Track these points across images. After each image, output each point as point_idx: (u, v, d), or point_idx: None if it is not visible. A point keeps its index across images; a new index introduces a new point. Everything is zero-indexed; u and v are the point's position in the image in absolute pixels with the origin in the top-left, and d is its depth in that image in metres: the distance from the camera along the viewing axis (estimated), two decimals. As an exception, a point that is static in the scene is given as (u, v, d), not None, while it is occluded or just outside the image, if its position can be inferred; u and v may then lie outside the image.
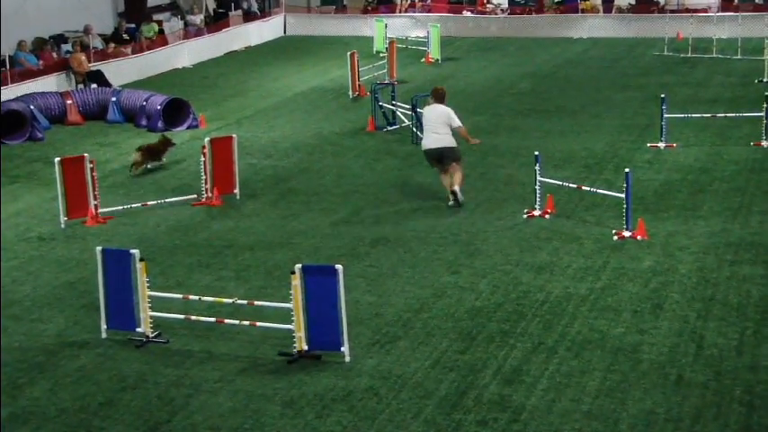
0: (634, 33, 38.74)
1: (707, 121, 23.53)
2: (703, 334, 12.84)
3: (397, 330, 13.32)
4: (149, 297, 13.08)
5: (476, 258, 15.88)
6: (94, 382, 12.15)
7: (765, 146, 21.76)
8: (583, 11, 40.94)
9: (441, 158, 18.48)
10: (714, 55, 33.80)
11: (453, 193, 18.36)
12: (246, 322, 13.07)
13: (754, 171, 20.11)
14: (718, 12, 38.90)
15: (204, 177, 19.26)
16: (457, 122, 18.47)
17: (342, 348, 12.41)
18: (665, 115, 22.19)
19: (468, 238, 16.82)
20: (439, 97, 18.69)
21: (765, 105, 21.92)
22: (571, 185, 18.19)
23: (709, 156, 21.33)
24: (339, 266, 12.21)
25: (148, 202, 19.14)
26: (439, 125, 18.43)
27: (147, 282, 13.05)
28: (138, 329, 13.13)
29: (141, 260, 12.97)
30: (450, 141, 18.41)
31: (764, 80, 29.11)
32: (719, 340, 12.67)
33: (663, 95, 22.53)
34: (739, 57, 33.13)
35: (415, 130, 23.21)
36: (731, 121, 23.43)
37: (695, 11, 39.82)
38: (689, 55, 34.04)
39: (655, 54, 34.75)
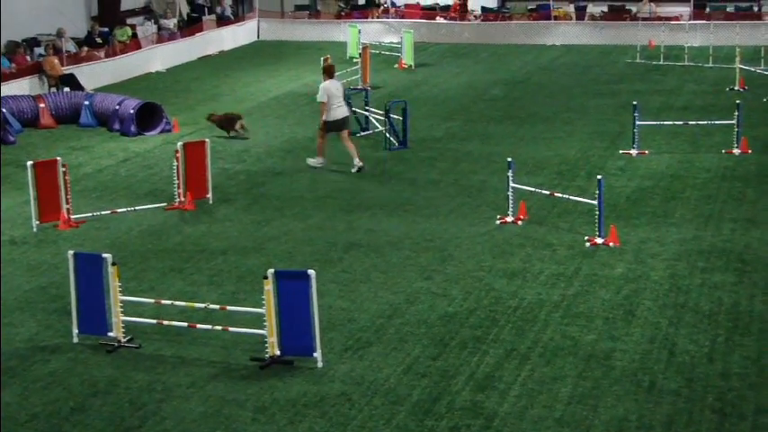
0: (607, 41, 38.88)
1: (679, 128, 23.63)
2: (675, 341, 12.87)
3: (370, 336, 13.29)
4: (121, 302, 13.00)
5: (448, 264, 15.87)
6: (65, 387, 12.06)
7: (737, 153, 21.86)
8: (556, 18, 41.05)
9: (345, 125, 21.78)
10: (686, 63, 33.95)
11: (359, 163, 21.54)
12: (219, 327, 13.03)
13: (725, 179, 20.19)
14: (690, 20, 39.10)
15: (177, 182, 19.18)
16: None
17: (314, 354, 12.36)
18: (638, 122, 22.26)
19: (441, 243, 16.81)
20: (332, 73, 21.96)
21: (736, 113, 22.04)
22: (544, 192, 18.21)
23: (681, 163, 21.41)
24: (312, 272, 12.17)
25: (120, 209, 19.03)
26: (342, 98, 21.78)
27: (120, 286, 12.97)
28: (110, 334, 13.05)
29: (113, 264, 12.90)
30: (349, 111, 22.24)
31: (735, 88, 29.26)
32: (691, 347, 12.70)
33: (635, 103, 22.60)
34: (711, 65, 33.29)
35: (388, 135, 23.20)
36: (703, 128, 23.53)
37: (667, 19, 40.01)
38: (661, 63, 34.18)
39: (627, 61, 34.89)
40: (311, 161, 22.05)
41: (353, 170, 21.33)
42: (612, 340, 12.95)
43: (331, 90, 21.44)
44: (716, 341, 12.87)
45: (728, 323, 13.40)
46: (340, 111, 21.57)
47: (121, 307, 13.00)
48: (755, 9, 41.06)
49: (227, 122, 25.00)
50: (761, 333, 13.08)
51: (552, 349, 12.75)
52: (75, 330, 13.23)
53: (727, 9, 41.03)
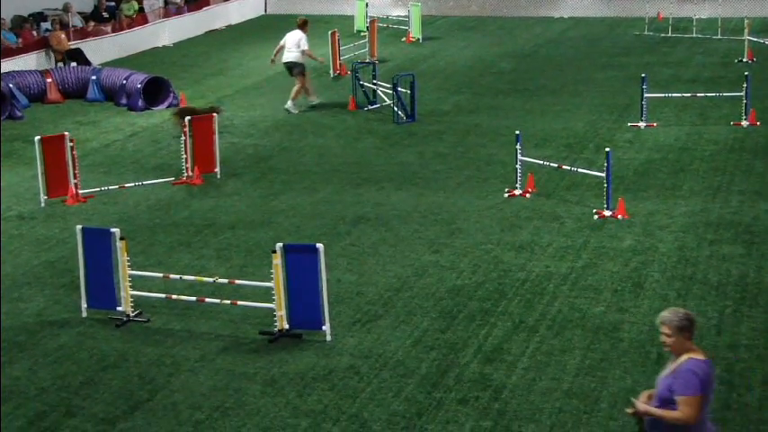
0: (615, 13, 38.71)
1: (687, 100, 23.56)
2: (683, 313, 12.86)
3: (378, 309, 13.32)
4: (130, 276, 13.04)
5: (457, 237, 15.87)
6: (75, 362, 12.11)
7: (745, 126, 21.81)
8: (564, -10, 40.88)
9: (288, 69, 25.01)
10: (694, 35, 33.81)
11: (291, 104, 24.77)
12: (227, 301, 13.06)
13: (733, 150, 20.15)
14: (698, -8, 38.92)
15: (185, 156, 19.19)
16: (304, 46, 24.86)
17: (323, 327, 12.39)
18: (646, 95, 22.20)
19: (450, 217, 16.81)
20: (301, 26, 25.17)
21: (745, 85, 21.96)
22: (552, 165, 18.19)
23: (689, 135, 21.36)
24: (320, 245, 12.19)
25: (128, 183, 19.06)
26: (293, 46, 24.81)
27: (128, 261, 13.01)
28: (119, 308, 13.09)
29: (122, 239, 12.93)
30: (297, 58, 24.81)
31: (744, 60, 29.15)
32: (699, 319, 12.60)
33: (643, 75, 22.54)
34: (719, 37, 33.15)
35: (396, 109, 23.18)
36: (711, 100, 23.47)
37: (676, -9, 39.83)
38: (669, 35, 34.05)
39: (635, 34, 34.74)
40: (310, 102, 25.11)
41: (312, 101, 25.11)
42: (620, 312, 12.96)
43: (287, 38, 25.11)
44: (724, 313, 12.88)
45: (736, 295, 13.40)
46: (287, 55, 25.02)
47: (130, 281, 13.03)
48: (764, -20, 40.83)
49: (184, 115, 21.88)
50: (769, 305, 13.09)
51: (560, 321, 12.76)
52: (84, 305, 13.28)
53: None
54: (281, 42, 25.32)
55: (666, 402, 7.87)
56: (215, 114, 19.94)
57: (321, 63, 26.80)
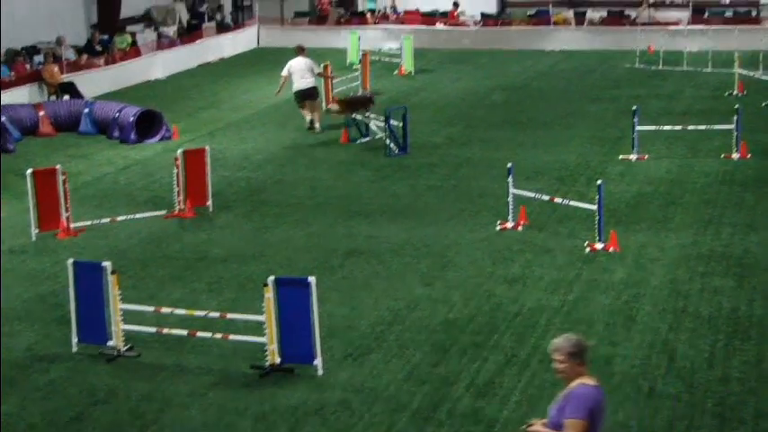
0: (606, 46, 38.86)
1: (678, 133, 23.61)
2: (675, 346, 12.86)
3: (371, 343, 13.27)
4: (121, 310, 12.98)
5: (449, 270, 15.85)
6: (65, 397, 12.04)
7: (736, 158, 21.86)
8: (555, 23, 41.09)
9: (310, 96, 25.72)
10: (685, 68, 33.96)
11: (312, 121, 25.87)
12: (219, 335, 13.00)
13: (724, 183, 20.18)
14: (688, 25, 39.12)
15: (177, 189, 19.17)
16: (317, 69, 26.05)
17: (314, 361, 12.34)
18: (637, 127, 22.26)
19: (442, 249, 16.79)
20: (301, 51, 26.08)
21: (735, 118, 22.03)
22: (544, 197, 18.20)
23: (680, 168, 21.40)
24: (312, 279, 12.16)
25: (120, 217, 19.03)
26: (306, 72, 25.56)
27: (119, 294, 12.95)
28: (110, 343, 13.02)
29: (113, 273, 12.88)
30: (314, 83, 25.78)
31: (735, 93, 29.26)
32: (691, 352, 12.68)
33: (634, 108, 22.60)
34: (710, 69, 33.30)
35: (388, 141, 23.20)
36: (702, 133, 23.51)
37: (666, 24, 40.05)
38: (660, 68, 34.19)
39: (626, 67, 34.88)
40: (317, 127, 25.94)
41: (307, 127, 25.97)
42: (612, 345, 12.93)
43: (294, 66, 25.71)
44: (716, 346, 12.86)
45: (728, 328, 13.38)
46: (303, 82, 25.63)
47: (121, 315, 12.98)
48: (754, 14, 41.06)
49: (355, 105, 25.24)
50: (760, 338, 13.07)
51: (552, 355, 12.71)
52: (75, 339, 13.21)
53: (726, 14, 41.05)
54: (285, 73, 25.90)
55: (558, 428, 7.99)
56: (206, 148, 19.91)
57: (334, 78, 28.12)
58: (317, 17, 44.24)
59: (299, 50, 26.21)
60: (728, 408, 11.29)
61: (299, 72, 25.66)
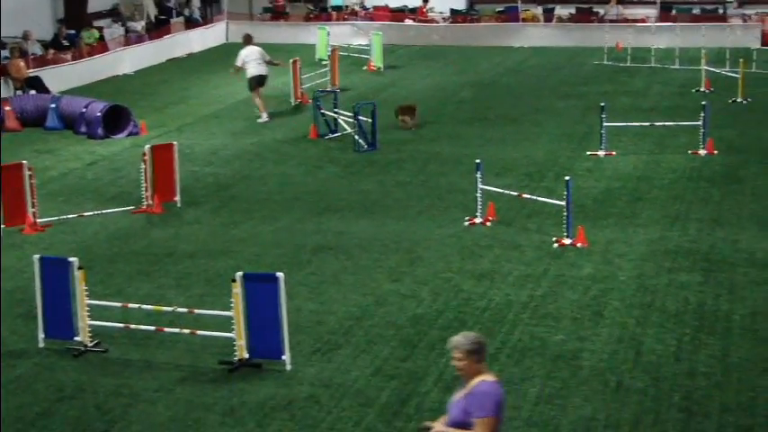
0: (574, 43, 38.99)
1: (645, 129, 23.72)
2: (642, 340, 12.93)
3: (339, 338, 13.28)
4: (88, 306, 12.93)
5: (417, 266, 15.87)
6: (31, 393, 11.98)
7: (703, 154, 21.98)
8: (524, 20, 41.17)
9: (262, 82, 26.94)
10: (653, 65, 34.12)
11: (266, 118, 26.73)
12: (187, 331, 12.97)
13: (691, 179, 20.30)
14: (656, 22, 39.31)
15: (145, 185, 19.11)
16: (267, 57, 27.20)
17: (283, 357, 12.34)
18: (605, 124, 22.34)
19: (410, 245, 16.81)
20: (250, 40, 27.30)
21: (702, 114, 22.15)
22: (512, 193, 18.25)
23: (647, 164, 21.51)
24: (280, 274, 12.15)
25: (87, 212, 18.94)
26: (260, 59, 26.80)
27: (86, 290, 12.90)
28: (77, 338, 12.97)
29: (80, 268, 12.83)
30: (267, 71, 27.11)
31: (701, 89, 29.42)
32: (658, 347, 12.75)
33: (602, 104, 22.69)
34: (677, 66, 33.46)
35: (356, 137, 23.20)
36: (669, 129, 23.64)
37: (634, 21, 40.20)
38: (628, 64, 34.33)
39: (595, 63, 35.01)
40: (260, 121, 26.73)
41: (259, 121, 26.70)
42: (580, 340, 12.99)
43: (247, 55, 26.86)
44: (682, 340, 12.94)
45: (694, 322, 13.47)
46: (260, 68, 26.84)
47: (88, 311, 12.92)
48: (720, 11, 41.28)
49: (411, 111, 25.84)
50: (726, 332, 13.17)
51: (520, 350, 12.78)
52: (42, 335, 13.15)
53: (693, 11, 41.23)
54: (240, 63, 27.04)
55: (461, 426, 8.07)
56: (174, 144, 19.84)
57: (283, 66, 28.58)
58: (273, 13, 44.13)
59: (248, 39, 27.40)
60: (695, 402, 11.37)
61: (254, 60, 26.89)
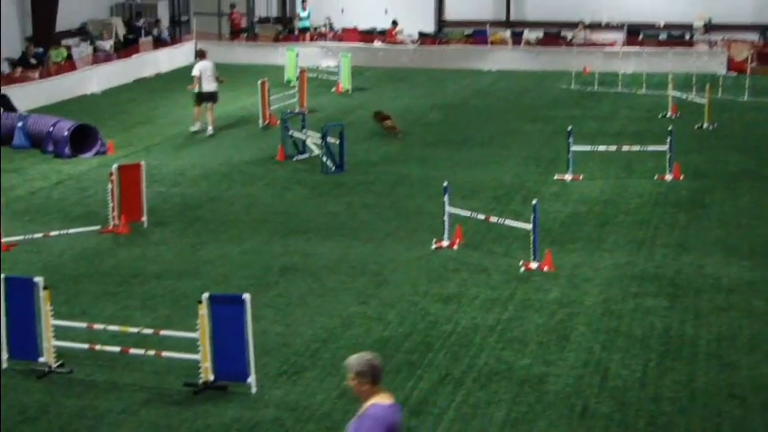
0: (542, 67, 39.21)
1: (612, 154, 23.83)
2: (608, 365, 12.97)
3: (305, 361, 13.25)
4: (53, 326, 12.84)
5: (384, 288, 15.87)
6: (-5, 413, 11.88)
7: (669, 179, 22.11)
8: (492, 43, 41.36)
9: (213, 98, 28.01)
10: (620, 89, 34.35)
11: (206, 124, 27.94)
12: (152, 352, 12.89)
13: (658, 204, 20.41)
14: (623, 47, 39.56)
15: (111, 205, 19.02)
16: (217, 73, 28.32)
17: (248, 379, 12.29)
18: (572, 148, 22.45)
19: (377, 268, 16.81)
20: (203, 55, 28.65)
21: (669, 139, 22.29)
22: (479, 216, 18.28)
23: (614, 188, 21.61)
24: (246, 296, 12.11)
25: (53, 232, 18.83)
26: (212, 75, 27.99)
27: (51, 310, 12.82)
28: (41, 359, 12.88)
29: (45, 288, 12.75)
30: (217, 87, 28.26)
31: (668, 115, 29.62)
32: (623, 372, 12.79)
33: (570, 128, 22.80)
34: (644, 92, 33.68)
35: (324, 159, 23.20)
36: (636, 154, 23.77)
37: (602, 45, 40.47)
38: (595, 89, 34.54)
39: (562, 87, 35.20)
40: (192, 128, 28.04)
41: (206, 134, 27.76)
42: (546, 365, 13.01)
43: (203, 68, 27.94)
44: (648, 365, 12.98)
45: (660, 347, 13.52)
46: (212, 85, 27.97)
47: (53, 331, 12.84)
48: (687, 37, 41.62)
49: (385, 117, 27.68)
50: (692, 357, 13.22)
51: (487, 374, 12.78)
52: (5, 355, 13.04)
53: (660, 37, 41.55)
54: (197, 73, 28.04)
55: None
56: (142, 164, 19.78)
57: (223, 82, 29.05)
58: (231, 32, 44.16)
59: (202, 54, 28.84)
60: (660, 427, 11.40)
61: (207, 75, 28.00)
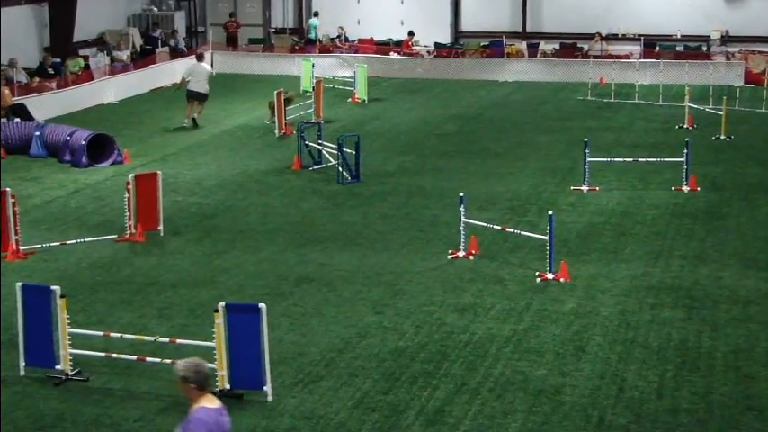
0: (558, 78, 39.22)
1: (629, 165, 23.80)
2: (624, 377, 12.93)
3: (321, 370, 13.25)
4: (69, 334, 12.87)
5: (400, 299, 15.86)
6: (11, 421, 11.91)
7: (686, 191, 22.06)
8: (508, 54, 41.37)
9: (199, 98, 30.39)
10: (636, 101, 34.29)
11: (194, 119, 30.37)
12: (168, 360, 12.90)
13: (674, 215, 20.37)
14: (640, 59, 39.52)
15: (128, 214, 19.08)
16: (212, 75, 31.12)
17: (264, 388, 12.30)
18: (589, 159, 22.42)
19: (393, 278, 16.81)
20: (201, 58, 31.60)
21: (686, 151, 22.24)
22: (495, 227, 18.27)
23: (631, 200, 21.57)
24: (262, 305, 12.13)
25: (69, 240, 18.88)
26: (204, 78, 30.28)
27: (68, 319, 12.85)
28: (58, 367, 12.92)
29: (62, 297, 12.79)
30: (207, 89, 30.53)
31: (685, 126, 29.57)
32: (640, 383, 12.76)
33: (586, 139, 22.77)
34: (660, 103, 33.64)
35: (340, 169, 23.22)
36: (653, 166, 23.73)
37: (618, 57, 40.44)
38: (612, 100, 34.51)
39: (578, 99, 35.17)
40: (183, 123, 30.38)
41: (185, 122, 30.34)
42: (562, 375, 12.99)
43: (194, 69, 30.64)
44: (664, 377, 12.94)
45: (677, 359, 13.48)
46: (198, 86, 30.22)
47: (69, 339, 12.87)
48: (704, 49, 41.56)
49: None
50: (709, 369, 13.18)
51: (502, 384, 12.76)
52: (23, 363, 13.08)
53: (677, 48, 41.51)
54: (186, 74, 30.80)
55: None
56: (158, 173, 19.83)
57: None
58: (227, 39, 44.26)
59: (200, 57, 31.76)
60: (676, 438, 11.37)
61: (197, 77, 30.30)
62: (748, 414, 11.96)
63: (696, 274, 16.83)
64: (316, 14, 44.65)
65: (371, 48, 43.26)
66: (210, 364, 12.22)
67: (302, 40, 44.87)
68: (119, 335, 13.49)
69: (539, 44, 42.77)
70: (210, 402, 8.38)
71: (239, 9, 46.18)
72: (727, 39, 42.03)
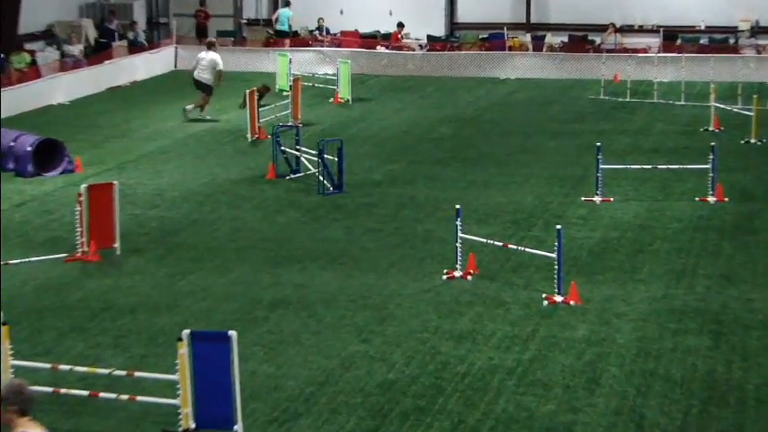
0: (567, 74, 39.31)
1: (647, 173, 23.84)
2: (644, 412, 12.91)
3: (299, 406, 13.21)
4: (12, 366, 12.80)
5: (389, 325, 15.84)
6: (-55, 466, 11.82)
7: (712, 202, 22.09)
8: (510, 48, 41.46)
9: (200, 88, 31.89)
10: (655, 100, 34.38)
11: (199, 109, 31.88)
12: (125, 396, 12.85)
13: (699, 229, 20.39)
14: (659, 53, 39.63)
15: (80, 230, 19.03)
16: (220, 66, 32.05)
17: (235, 427, 12.24)
18: (601, 166, 22.44)
19: (381, 301, 16.79)
20: (212, 46, 32.66)
21: (711, 157, 22.27)
22: (496, 243, 18.27)
23: (649, 212, 21.60)
24: (233, 333, 12.07)
25: (13, 260, 18.85)
26: (207, 67, 31.72)
27: (11, 349, 12.78)
28: (-1, 404, 12.83)
29: (4, 324, 12.72)
30: (209, 80, 31.89)
31: (710, 129, 29.63)
32: (662, 420, 12.73)
33: (598, 144, 22.79)
34: (682, 102, 33.73)
35: (321, 178, 23.22)
36: (674, 173, 23.76)
37: (634, 51, 40.54)
38: (627, 99, 34.59)
39: (590, 98, 35.26)
40: (187, 107, 31.89)
41: (187, 107, 31.92)
42: (573, 412, 12.96)
43: (199, 57, 32.16)
44: (689, 413, 12.92)
45: (703, 392, 13.47)
46: (199, 75, 31.91)
47: (12, 372, 12.79)
48: (732, 42, 41.68)
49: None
50: (739, 404, 13.16)
51: (505, 421, 12.73)
52: (-41, 399, 13.00)
53: (701, 41, 41.64)
54: (196, 63, 32.33)
55: None
56: (114, 184, 19.80)
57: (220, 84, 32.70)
58: (196, 31, 44.27)
59: (210, 45, 32.79)
60: (703, 482, 11.35)
61: (201, 65, 31.88)
62: (784, 455, 11.96)
63: (724, 297, 16.83)
64: (287, 4, 44.43)
65: (356, 41, 43.36)
66: (173, 400, 12.20)
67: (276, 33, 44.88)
68: (68, 367, 13.42)
69: (544, 36, 42.94)
70: (32, 428, 8.49)
71: (207, -3, 46.25)
72: (757, 30, 42.23)
